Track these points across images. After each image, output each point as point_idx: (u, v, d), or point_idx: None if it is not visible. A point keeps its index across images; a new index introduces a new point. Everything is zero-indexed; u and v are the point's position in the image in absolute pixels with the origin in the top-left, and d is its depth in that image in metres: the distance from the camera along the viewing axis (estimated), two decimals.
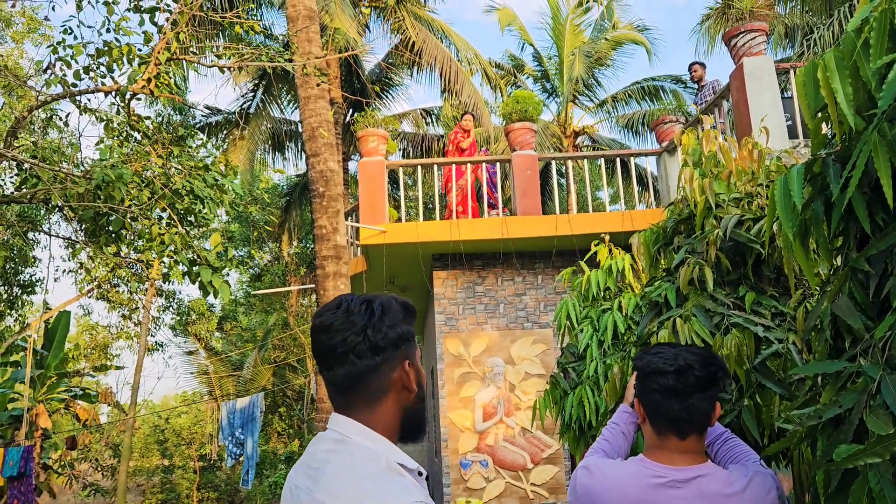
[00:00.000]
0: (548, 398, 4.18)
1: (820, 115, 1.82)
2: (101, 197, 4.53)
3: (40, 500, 17.98)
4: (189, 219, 5.41)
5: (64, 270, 15.50)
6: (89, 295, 15.38)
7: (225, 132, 17.99)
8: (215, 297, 5.17)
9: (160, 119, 16.54)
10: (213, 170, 4.87)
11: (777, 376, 2.43)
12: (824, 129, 1.85)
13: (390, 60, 16.89)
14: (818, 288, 2.25)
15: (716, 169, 2.90)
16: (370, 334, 1.27)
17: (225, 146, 17.73)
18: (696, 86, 9.11)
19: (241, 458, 11.01)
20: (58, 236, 5.47)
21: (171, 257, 4.99)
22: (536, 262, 8.73)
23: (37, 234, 11.66)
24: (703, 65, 8.98)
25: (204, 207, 5.17)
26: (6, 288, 14.83)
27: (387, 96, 18.42)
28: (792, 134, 6.94)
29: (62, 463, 17.35)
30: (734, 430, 2.44)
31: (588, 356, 3.95)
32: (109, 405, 17.54)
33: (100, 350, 19.16)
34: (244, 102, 17.33)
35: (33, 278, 15.02)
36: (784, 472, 3.81)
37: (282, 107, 17.57)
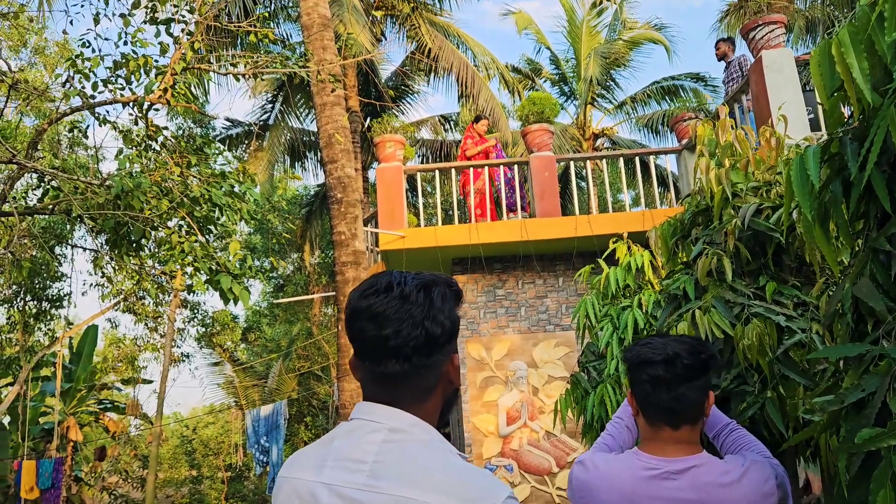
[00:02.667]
0: (569, 398, 4.14)
1: (836, 94, 1.77)
2: (121, 206, 4.58)
3: None
4: (209, 227, 5.45)
5: (91, 284, 15.74)
6: (116, 308, 15.57)
7: (245, 144, 18.20)
8: (235, 304, 5.19)
9: (181, 132, 16.76)
10: (229, 177, 4.91)
11: (801, 367, 2.37)
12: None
13: (406, 68, 16.95)
14: (841, 274, 2.19)
15: (732, 159, 2.85)
16: (429, 327, 1.13)
17: (245, 158, 17.93)
18: (723, 70, 8.65)
19: (267, 466, 11.06)
20: (81, 248, 5.54)
21: (192, 265, 5.03)
22: (557, 264, 8.67)
23: (63, 247, 11.84)
24: (728, 41, 8.48)
25: (222, 216, 5.20)
26: (35, 303, 15.09)
27: (404, 103, 18.50)
28: (815, 126, 6.83)
29: (93, 475, 17.60)
30: (758, 423, 2.38)
31: (609, 354, 3.90)
32: (136, 417, 17.77)
33: (127, 362, 19.42)
34: (263, 114, 17.50)
35: (61, 293, 15.25)
36: (814, 470, 3.72)
37: (300, 117, 17.72)
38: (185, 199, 4.84)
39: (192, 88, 15.11)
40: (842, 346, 1.66)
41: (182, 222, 5.18)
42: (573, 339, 8.40)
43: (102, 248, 5.96)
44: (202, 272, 5.01)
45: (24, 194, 4.85)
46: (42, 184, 4.53)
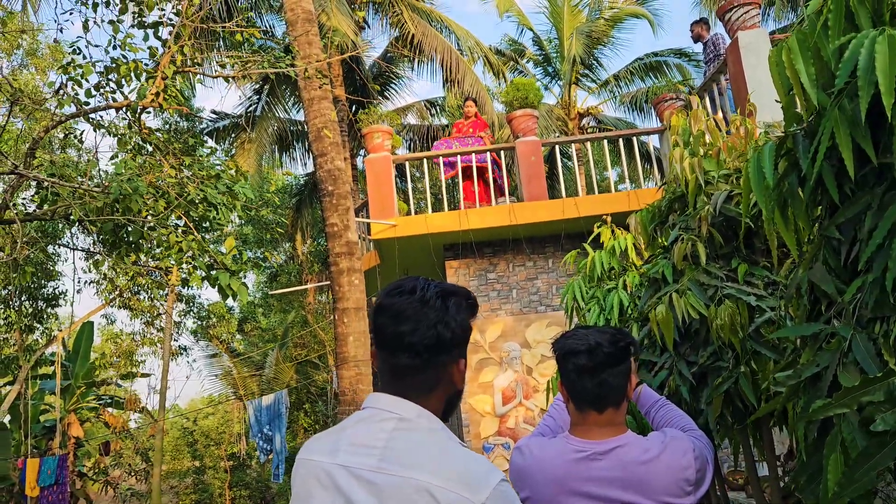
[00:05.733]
0: (559, 377, 4.32)
1: (791, 94, 1.93)
2: (119, 210, 4.70)
3: None
4: (204, 225, 5.57)
5: (86, 282, 15.81)
6: (112, 304, 15.65)
7: (233, 136, 18.20)
8: (234, 299, 5.34)
9: (168, 127, 16.76)
10: (223, 177, 5.03)
11: (771, 343, 2.55)
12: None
13: (390, 55, 16.97)
14: (798, 258, 2.36)
15: (705, 147, 3.01)
16: (441, 330, 1.29)
17: (233, 150, 17.95)
18: (702, 51, 8.77)
19: (271, 454, 11.27)
20: (80, 249, 5.66)
21: (190, 263, 5.16)
22: (546, 246, 8.84)
23: (57, 247, 11.92)
24: (700, 22, 8.58)
25: (217, 214, 5.33)
26: (31, 302, 15.15)
27: (390, 89, 18.52)
28: None
29: (97, 470, 17.76)
30: (732, 396, 2.57)
31: None
32: (137, 412, 17.92)
33: (125, 358, 19.52)
34: (250, 105, 17.50)
35: (56, 291, 15.32)
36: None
37: (287, 107, 17.74)
38: (181, 201, 4.96)
39: (179, 85, 15.10)
40: (799, 326, 1.83)
41: (179, 222, 5.30)
42: (564, 319, 8.59)
43: (98, 249, 6.07)
44: (200, 269, 5.14)
45: (22, 200, 4.97)
46: (40, 190, 4.65)
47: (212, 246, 5.56)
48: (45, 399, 17.00)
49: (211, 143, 17.74)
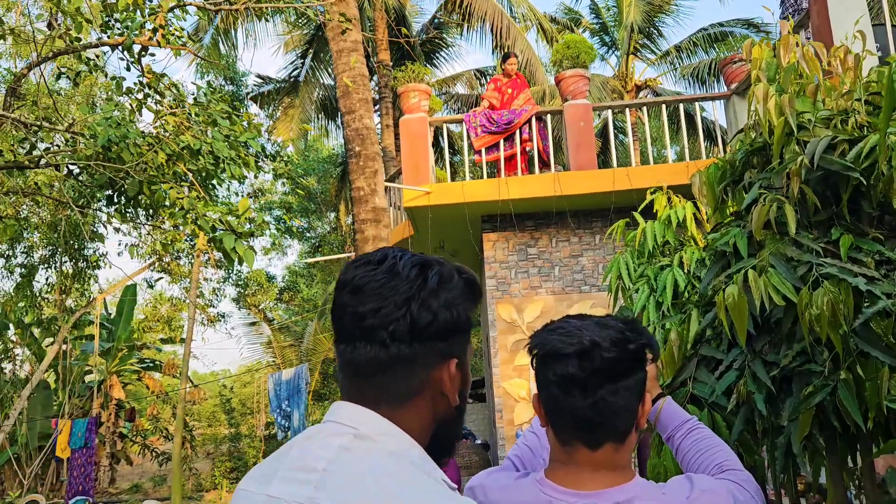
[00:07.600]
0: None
1: None
2: (112, 159, 4.23)
3: (119, 468, 18.69)
4: (212, 182, 5.07)
5: (126, 245, 15.72)
6: (151, 268, 15.56)
7: (276, 101, 17.88)
8: (240, 264, 4.85)
9: (213, 90, 16.49)
10: (221, 123, 4.50)
11: (885, 341, 1.87)
12: None
13: (439, 18, 16.30)
14: None
15: (797, 83, 2.31)
16: (415, 310, 0.94)
17: (277, 115, 17.62)
18: (779, 6, 7.78)
19: (289, 432, 10.87)
20: (67, 203, 5.24)
21: (193, 223, 4.68)
22: (593, 220, 8.13)
23: (93, 210, 11.72)
24: None
25: (224, 170, 4.81)
26: (73, 263, 15.13)
27: (439, 57, 17.92)
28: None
29: (135, 432, 17.93)
30: (827, 411, 1.90)
31: (644, 320, 3.42)
32: (175, 376, 17.95)
33: (164, 322, 19.55)
34: (293, 70, 17.11)
35: (97, 253, 15.27)
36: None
37: (331, 72, 17.30)
38: (182, 152, 4.46)
39: (220, 44, 14.74)
40: None
41: (185, 178, 4.82)
42: (608, 300, 7.90)
43: (111, 209, 5.64)
44: (203, 230, 4.65)
45: (13, 147, 4.57)
46: (28, 136, 4.22)
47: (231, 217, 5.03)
48: (90, 360, 17.15)
49: (254, 107, 17.44)
